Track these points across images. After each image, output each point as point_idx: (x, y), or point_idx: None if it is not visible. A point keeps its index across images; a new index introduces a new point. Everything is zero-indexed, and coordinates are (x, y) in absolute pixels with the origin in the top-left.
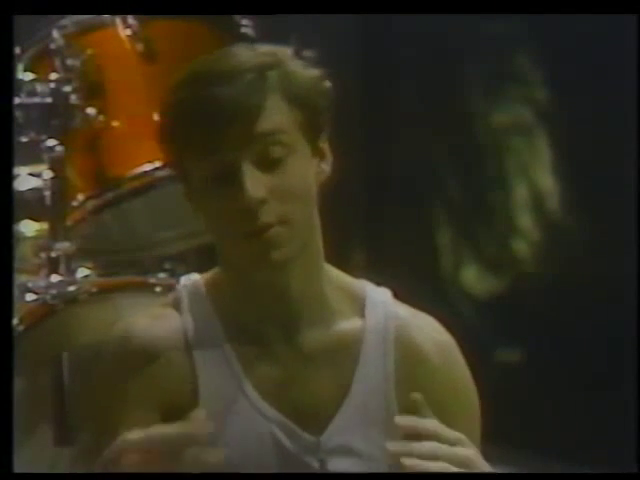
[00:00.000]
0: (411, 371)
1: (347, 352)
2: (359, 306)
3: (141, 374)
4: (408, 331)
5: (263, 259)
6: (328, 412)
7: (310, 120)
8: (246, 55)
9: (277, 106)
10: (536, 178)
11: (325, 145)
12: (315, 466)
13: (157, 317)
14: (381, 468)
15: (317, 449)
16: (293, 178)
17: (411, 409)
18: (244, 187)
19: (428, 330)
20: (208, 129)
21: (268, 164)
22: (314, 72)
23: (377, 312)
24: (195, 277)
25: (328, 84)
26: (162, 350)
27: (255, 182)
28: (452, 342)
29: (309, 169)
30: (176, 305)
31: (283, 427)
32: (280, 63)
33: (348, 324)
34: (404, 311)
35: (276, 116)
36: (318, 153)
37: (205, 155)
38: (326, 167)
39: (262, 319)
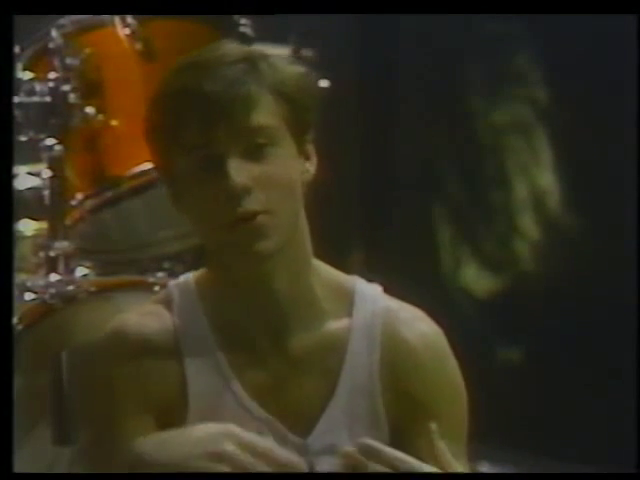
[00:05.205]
0: (397, 367)
1: (334, 352)
2: (347, 303)
3: (132, 371)
4: (395, 326)
5: (248, 249)
6: (315, 413)
7: (295, 116)
8: (232, 47)
9: (264, 99)
10: (536, 178)
11: (310, 146)
12: (303, 467)
13: (148, 315)
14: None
15: (305, 450)
16: (277, 169)
17: (395, 407)
18: (228, 174)
19: (416, 324)
20: (196, 121)
21: (253, 154)
22: (299, 69)
23: (365, 309)
24: (187, 275)
25: (314, 82)
26: (152, 349)
27: (239, 170)
28: (440, 334)
29: (294, 164)
30: (167, 303)
31: (271, 427)
32: (265, 57)
33: (336, 324)
34: (393, 305)
35: (263, 110)
36: (303, 152)
37: (192, 147)
38: (311, 168)
39: (250, 320)
